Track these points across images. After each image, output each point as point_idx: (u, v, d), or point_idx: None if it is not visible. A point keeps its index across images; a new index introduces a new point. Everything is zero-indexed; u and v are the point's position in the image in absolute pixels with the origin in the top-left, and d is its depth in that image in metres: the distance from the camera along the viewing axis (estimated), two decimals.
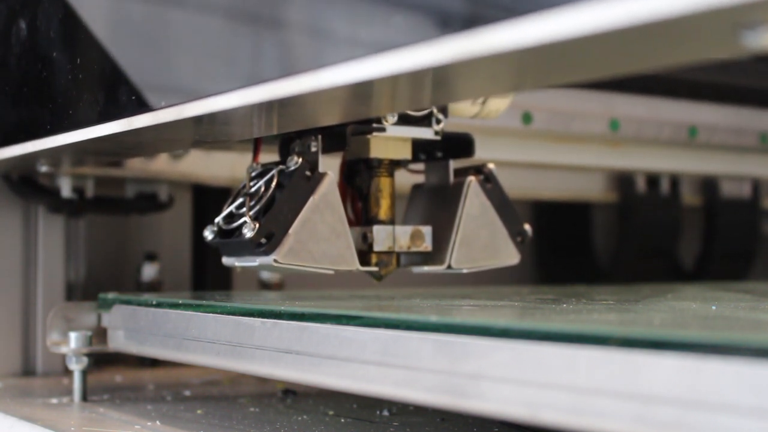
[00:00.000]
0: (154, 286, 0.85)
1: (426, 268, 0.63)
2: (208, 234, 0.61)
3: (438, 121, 0.63)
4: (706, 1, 0.28)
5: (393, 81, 0.41)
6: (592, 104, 0.96)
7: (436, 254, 0.63)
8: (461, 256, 0.63)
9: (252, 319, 0.51)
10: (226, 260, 0.62)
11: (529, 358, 0.36)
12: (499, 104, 0.65)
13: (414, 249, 0.62)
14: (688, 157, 1.06)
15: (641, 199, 1.07)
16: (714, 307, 0.48)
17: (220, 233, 0.61)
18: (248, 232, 0.58)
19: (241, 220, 0.59)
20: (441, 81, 0.41)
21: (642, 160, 1.04)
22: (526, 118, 0.92)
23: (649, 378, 0.32)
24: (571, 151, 0.98)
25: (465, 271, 0.63)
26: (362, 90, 0.43)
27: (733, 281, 1.03)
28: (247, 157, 0.68)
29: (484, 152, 0.69)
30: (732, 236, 1.12)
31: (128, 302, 0.64)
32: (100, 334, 0.67)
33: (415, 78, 0.40)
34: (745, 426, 0.29)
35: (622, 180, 1.07)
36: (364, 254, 0.62)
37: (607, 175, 1.07)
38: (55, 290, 0.82)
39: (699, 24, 0.29)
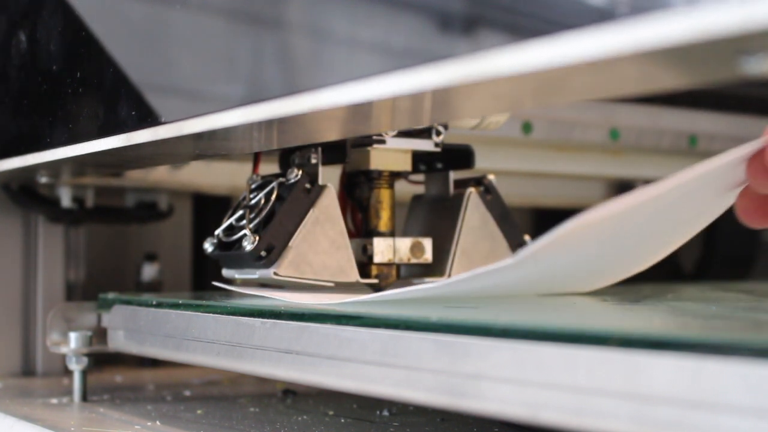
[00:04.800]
0: (154, 287, 0.85)
1: (426, 280, 0.63)
2: (208, 246, 0.61)
3: (438, 133, 0.63)
4: (709, 30, 0.28)
5: (393, 102, 0.41)
6: (592, 113, 0.96)
7: (436, 266, 0.63)
8: (461, 268, 0.63)
9: (252, 319, 0.51)
10: (226, 272, 0.62)
11: (529, 358, 0.36)
12: (499, 116, 0.65)
13: (414, 261, 0.63)
14: (689, 166, 1.06)
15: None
16: (714, 308, 0.49)
17: (220, 245, 0.61)
18: (248, 245, 0.58)
19: (241, 233, 0.59)
20: (441, 102, 0.41)
21: (642, 169, 1.04)
22: (526, 127, 0.92)
23: (649, 378, 0.32)
24: (572, 160, 0.98)
25: None
26: (362, 110, 0.43)
27: None
28: (247, 167, 0.68)
29: (484, 162, 0.69)
30: (732, 242, 1.12)
31: (128, 302, 0.64)
32: (100, 334, 0.67)
33: (415, 99, 0.40)
34: (745, 426, 0.29)
35: (623, 187, 1.07)
36: (365, 266, 0.62)
37: (607, 183, 1.07)
38: (55, 291, 0.82)
39: (701, 51, 0.30)
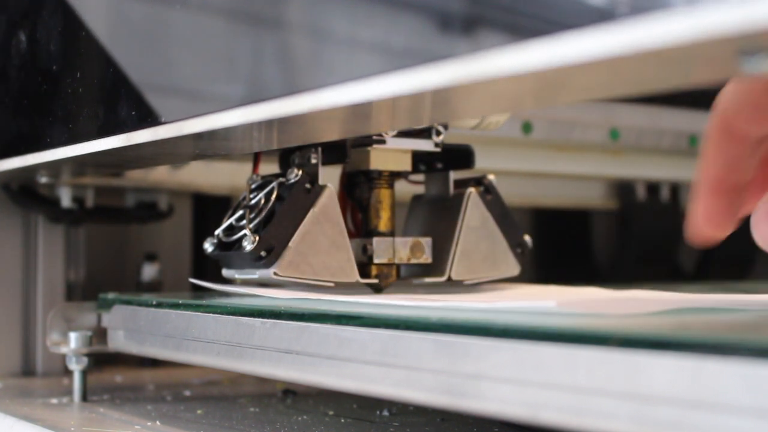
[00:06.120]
0: (154, 287, 0.85)
1: (426, 280, 0.63)
2: (208, 246, 0.62)
3: (438, 133, 0.63)
4: (709, 30, 0.28)
5: (393, 102, 0.41)
6: (592, 113, 0.96)
7: (436, 266, 0.64)
8: (461, 268, 0.63)
9: (252, 319, 0.51)
10: (226, 272, 0.62)
11: (529, 358, 0.36)
12: (499, 116, 0.65)
13: (414, 261, 0.63)
14: (689, 166, 1.06)
15: (641, 207, 1.07)
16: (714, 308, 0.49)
17: (220, 245, 0.61)
18: (248, 245, 0.58)
19: (241, 233, 0.59)
20: (441, 102, 0.41)
21: (642, 169, 1.04)
22: (526, 127, 0.92)
23: (649, 378, 0.32)
24: (572, 160, 0.98)
25: (466, 283, 0.64)
26: (362, 110, 0.43)
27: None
28: (247, 167, 0.68)
29: (484, 162, 0.69)
30: (732, 243, 1.12)
31: (128, 302, 0.64)
32: (100, 334, 0.67)
33: (415, 99, 0.40)
34: (745, 426, 0.29)
35: (622, 187, 1.07)
36: (364, 266, 0.62)
37: (607, 183, 1.07)
38: (55, 291, 0.82)
39: (701, 51, 0.30)
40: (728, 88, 0.45)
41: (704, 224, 0.47)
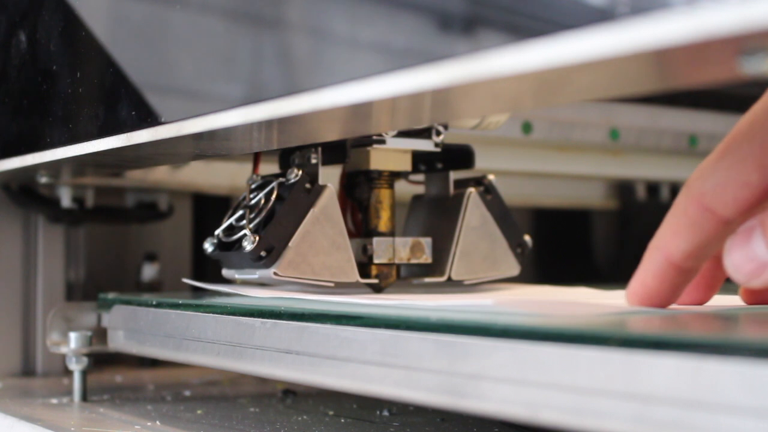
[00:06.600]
0: (154, 287, 0.85)
1: (426, 280, 0.64)
2: (208, 246, 0.62)
3: (438, 133, 0.63)
4: (709, 30, 0.28)
5: (393, 102, 0.41)
6: (592, 113, 0.96)
7: (436, 266, 0.64)
8: (461, 268, 0.63)
9: (252, 319, 0.51)
10: (226, 272, 0.62)
11: (529, 358, 0.36)
12: (499, 116, 0.65)
13: (414, 260, 0.63)
14: (689, 166, 1.06)
15: (641, 207, 1.07)
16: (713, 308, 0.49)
17: (220, 245, 0.61)
18: (248, 245, 0.58)
19: (241, 233, 0.59)
20: (441, 102, 0.41)
21: (642, 169, 1.04)
22: (526, 127, 0.92)
23: (649, 378, 0.32)
24: (572, 160, 0.98)
25: (465, 283, 0.64)
26: (362, 110, 0.43)
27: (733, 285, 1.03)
28: (247, 167, 0.68)
29: (484, 162, 0.69)
30: None
31: (128, 302, 0.64)
32: (100, 334, 0.67)
33: (415, 99, 0.40)
34: (745, 426, 0.29)
35: (622, 187, 1.07)
36: (364, 266, 0.62)
37: (607, 183, 1.07)
38: (55, 291, 0.82)
39: (701, 51, 0.30)
40: (708, 165, 0.41)
41: (647, 297, 0.45)
